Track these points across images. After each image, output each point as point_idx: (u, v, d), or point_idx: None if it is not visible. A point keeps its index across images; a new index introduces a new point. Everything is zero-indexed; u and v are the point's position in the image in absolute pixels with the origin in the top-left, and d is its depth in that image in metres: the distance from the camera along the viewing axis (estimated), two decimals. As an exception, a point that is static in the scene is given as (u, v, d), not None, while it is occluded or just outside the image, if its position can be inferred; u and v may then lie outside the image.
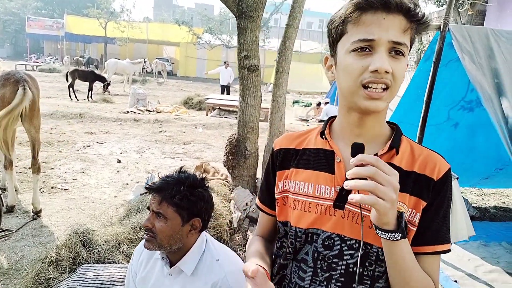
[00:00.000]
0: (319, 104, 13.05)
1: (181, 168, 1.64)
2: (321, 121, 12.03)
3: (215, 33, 28.19)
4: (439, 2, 14.34)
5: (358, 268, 0.92)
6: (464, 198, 4.86)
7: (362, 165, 0.77)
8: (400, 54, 0.87)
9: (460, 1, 11.66)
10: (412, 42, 0.91)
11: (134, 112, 11.38)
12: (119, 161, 6.49)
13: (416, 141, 3.46)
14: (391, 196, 0.76)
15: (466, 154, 4.31)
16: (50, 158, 6.29)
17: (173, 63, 33.41)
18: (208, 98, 13.23)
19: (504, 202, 5.62)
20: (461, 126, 4.14)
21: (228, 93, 15.35)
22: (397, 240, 0.81)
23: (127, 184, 5.41)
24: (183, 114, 11.81)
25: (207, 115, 12.23)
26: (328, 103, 12.71)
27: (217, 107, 12.42)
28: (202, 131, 9.68)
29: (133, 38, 32.38)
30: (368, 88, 0.87)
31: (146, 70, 23.98)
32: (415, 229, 0.92)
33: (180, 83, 25.18)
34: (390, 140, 0.97)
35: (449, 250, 0.95)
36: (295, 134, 1.12)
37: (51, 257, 2.93)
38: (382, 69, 0.84)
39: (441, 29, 3.25)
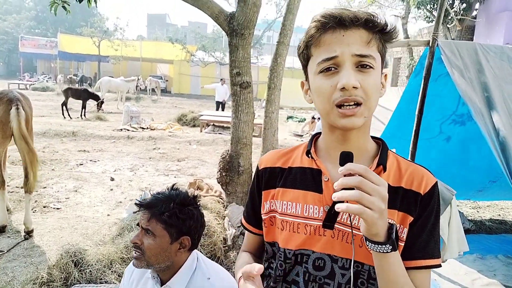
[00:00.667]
0: (313, 118, 13.13)
1: (173, 185, 1.63)
2: (314, 136, 12.07)
3: (208, 50, 28.41)
4: (429, 18, 14.61)
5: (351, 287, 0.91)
6: (459, 211, 4.87)
7: (351, 175, 0.76)
8: (368, 67, 0.87)
9: (449, 17, 11.88)
10: (382, 52, 0.91)
11: (128, 130, 11.36)
12: (112, 179, 6.44)
13: (409, 156, 3.49)
14: (379, 206, 0.74)
15: (459, 167, 4.33)
16: (43, 177, 6.23)
17: (167, 81, 33.56)
18: (202, 115, 13.26)
19: (500, 215, 5.63)
20: (453, 140, 4.17)
21: (223, 110, 15.42)
22: (387, 252, 0.80)
23: (120, 202, 5.36)
24: (177, 131, 11.80)
25: (201, 131, 12.23)
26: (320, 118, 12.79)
27: (211, 124, 12.44)
28: (196, 148, 9.66)
29: (126, 56, 32.53)
30: (342, 107, 0.87)
31: (140, 88, 24.05)
32: (403, 244, 0.92)
33: (174, 100, 25.23)
34: (378, 157, 0.96)
35: (439, 265, 0.93)
36: (280, 152, 1.10)
37: (42, 277, 2.89)
38: (349, 85, 0.84)
39: (430, 44, 3.29)
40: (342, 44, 0.85)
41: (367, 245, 0.81)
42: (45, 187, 5.79)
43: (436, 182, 0.95)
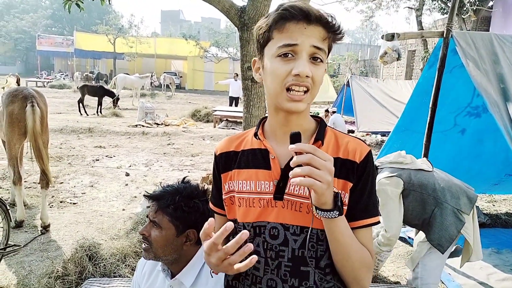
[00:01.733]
0: (327, 111, 13.06)
1: (184, 178, 1.64)
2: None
3: (221, 46, 28.43)
4: (443, 10, 14.34)
5: (307, 251, 1.03)
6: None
7: (301, 153, 0.86)
8: (319, 60, 0.99)
9: (464, 8, 11.63)
10: (329, 50, 1.04)
11: (143, 126, 11.47)
12: (127, 174, 6.52)
13: (423, 149, 3.45)
14: (327, 178, 0.86)
15: (474, 160, 4.26)
16: (60, 173, 6.35)
17: (181, 77, 33.73)
18: (215, 110, 13.30)
19: (516, 209, 5.53)
20: (468, 132, 4.10)
21: (236, 105, 15.43)
22: (335, 217, 0.92)
23: (135, 197, 5.43)
24: (191, 127, 11.87)
25: (214, 127, 12.28)
26: (335, 112, 12.69)
27: (225, 119, 12.47)
28: (210, 143, 9.71)
29: (141, 53, 32.77)
30: (291, 91, 0.99)
31: (155, 85, 24.21)
32: (346, 208, 1.04)
33: (188, 96, 25.36)
34: (316, 133, 1.09)
35: (378, 222, 1.08)
36: (234, 137, 1.22)
37: (58, 271, 2.94)
38: (304, 73, 0.96)
39: (444, 35, 3.24)
40: (303, 35, 0.97)
41: (318, 213, 0.93)
42: (62, 183, 5.90)
43: (370, 151, 1.08)
